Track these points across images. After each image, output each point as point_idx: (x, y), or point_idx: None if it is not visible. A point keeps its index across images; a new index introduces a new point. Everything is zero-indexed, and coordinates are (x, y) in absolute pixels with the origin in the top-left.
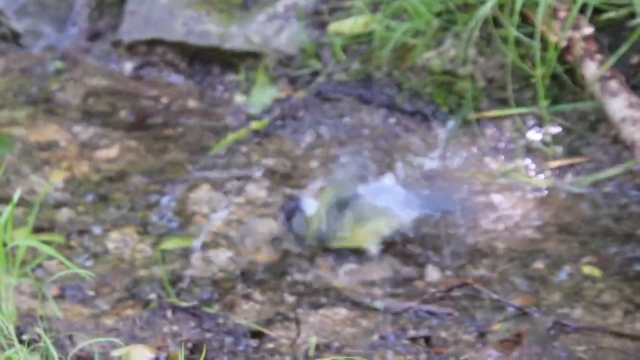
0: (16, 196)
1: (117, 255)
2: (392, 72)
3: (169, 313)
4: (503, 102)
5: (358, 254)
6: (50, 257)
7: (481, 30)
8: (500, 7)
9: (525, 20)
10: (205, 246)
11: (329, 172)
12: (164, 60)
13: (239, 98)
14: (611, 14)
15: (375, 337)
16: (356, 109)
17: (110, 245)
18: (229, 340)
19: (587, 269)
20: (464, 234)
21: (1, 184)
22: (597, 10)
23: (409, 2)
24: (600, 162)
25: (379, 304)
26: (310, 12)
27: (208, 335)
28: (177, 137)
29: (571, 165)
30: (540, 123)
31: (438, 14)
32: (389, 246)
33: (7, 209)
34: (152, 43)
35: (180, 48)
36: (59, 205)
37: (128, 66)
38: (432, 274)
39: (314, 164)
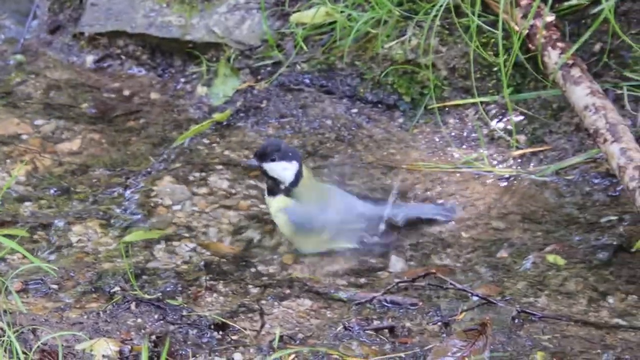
0: None
1: (81, 249)
2: (354, 62)
3: (132, 306)
4: (465, 91)
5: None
6: (13, 251)
7: (443, 19)
8: None
9: (487, 8)
10: (168, 238)
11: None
12: (126, 52)
13: (201, 90)
14: (573, 2)
15: (340, 327)
16: (319, 99)
17: (74, 239)
18: (193, 332)
19: (551, 258)
20: (428, 225)
21: None
22: None
23: None
24: (563, 150)
25: (342, 295)
26: (271, 2)
27: (172, 327)
28: (140, 129)
29: (534, 154)
30: (503, 112)
31: (399, 4)
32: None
33: None
34: (114, 35)
35: (142, 40)
36: (21, 199)
37: (89, 59)
38: (396, 264)
39: None
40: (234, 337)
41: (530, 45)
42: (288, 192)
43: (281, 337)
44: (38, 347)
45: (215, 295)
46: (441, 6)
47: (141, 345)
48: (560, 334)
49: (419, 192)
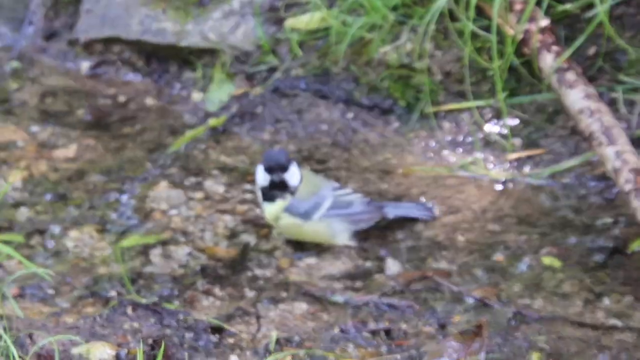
0: None
1: (77, 254)
2: (349, 67)
3: (129, 310)
4: (460, 96)
5: (319, 247)
6: (10, 257)
7: (437, 23)
8: (456, 0)
9: (481, 13)
10: (164, 242)
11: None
12: (121, 58)
13: (196, 95)
14: (567, 6)
15: (336, 330)
16: (314, 104)
17: (70, 244)
18: (189, 335)
19: (547, 260)
20: (424, 227)
21: None
22: (553, 2)
23: None
24: (558, 153)
25: (339, 298)
26: (266, 8)
27: (168, 331)
28: (135, 135)
29: (530, 157)
30: (498, 116)
31: (394, 8)
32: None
33: None
34: (109, 41)
35: (137, 46)
36: (17, 204)
37: (85, 65)
38: (392, 267)
39: None
40: (231, 341)
41: (525, 50)
42: (292, 193)
43: (277, 340)
44: (34, 351)
45: (211, 299)
46: (436, 11)
47: (137, 349)
48: (556, 335)
49: (415, 196)
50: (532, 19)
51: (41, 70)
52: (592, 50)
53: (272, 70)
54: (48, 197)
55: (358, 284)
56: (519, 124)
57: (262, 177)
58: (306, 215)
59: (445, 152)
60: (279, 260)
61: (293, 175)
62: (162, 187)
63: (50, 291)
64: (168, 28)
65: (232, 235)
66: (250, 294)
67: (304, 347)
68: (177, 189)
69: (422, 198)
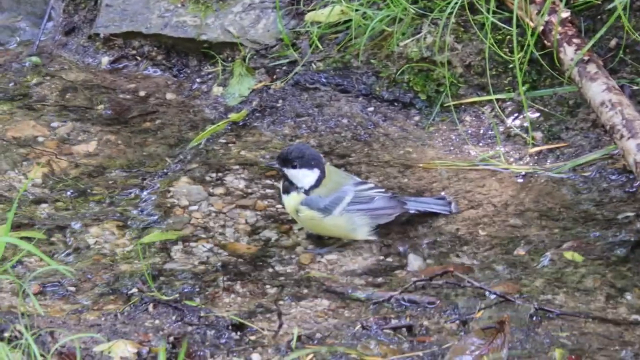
0: None
1: (98, 251)
2: (369, 61)
3: (150, 307)
4: (481, 89)
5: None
6: (31, 254)
7: (458, 16)
8: None
9: (501, 5)
10: (185, 239)
11: None
12: (141, 53)
13: (216, 90)
14: None
15: (358, 327)
16: (334, 98)
17: (91, 241)
18: (210, 333)
19: (569, 255)
20: (445, 222)
21: None
22: None
23: None
24: (580, 146)
25: (360, 294)
26: (286, 1)
27: (190, 328)
28: (156, 130)
29: (551, 151)
30: (519, 109)
31: (414, 1)
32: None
33: None
34: (129, 36)
35: (157, 40)
36: (38, 201)
37: (105, 60)
38: (414, 262)
39: None
40: (252, 338)
41: (545, 42)
42: (307, 192)
43: (299, 337)
44: (56, 349)
45: (232, 295)
46: (456, 3)
47: (159, 347)
48: (578, 331)
49: (436, 190)
50: (553, 10)
51: (61, 65)
52: (613, 42)
53: (293, 64)
54: (68, 193)
55: (379, 279)
56: (540, 117)
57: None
58: (326, 210)
59: (466, 146)
60: (300, 257)
61: (301, 176)
62: (183, 182)
63: (71, 288)
64: (188, 22)
65: (253, 231)
66: (271, 290)
67: (325, 344)
68: (198, 185)
69: (443, 192)
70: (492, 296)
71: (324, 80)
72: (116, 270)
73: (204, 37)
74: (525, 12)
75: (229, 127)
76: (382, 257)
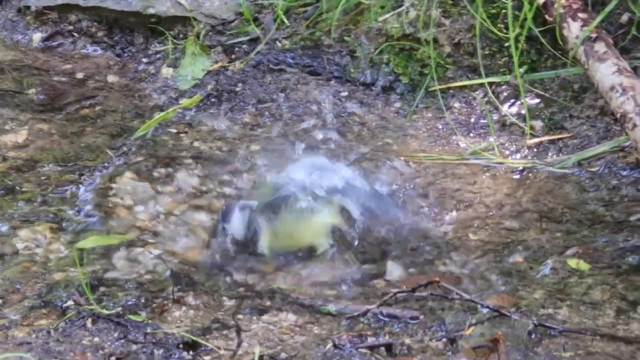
0: None
1: (28, 257)
2: (343, 38)
3: (89, 323)
4: (472, 71)
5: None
6: None
7: None
8: None
9: None
10: (129, 244)
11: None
12: (78, 29)
13: (166, 71)
14: None
15: (329, 345)
16: (302, 81)
17: (20, 245)
18: (158, 352)
19: (573, 262)
20: (430, 224)
21: None
22: None
23: None
24: (585, 137)
25: (332, 308)
26: None
27: (134, 347)
28: (95, 118)
29: (552, 142)
30: (515, 94)
31: None
32: (342, 241)
33: None
34: (64, 9)
35: (97, 14)
36: None
37: (37, 36)
38: (394, 271)
39: (254, 147)
40: (207, 358)
41: (546, 17)
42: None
43: (261, 357)
44: None
45: (184, 309)
46: None
47: None
48: (584, 351)
49: (420, 187)
50: None
51: None
52: (624, 18)
53: (254, 41)
54: None
55: (354, 291)
56: (540, 104)
57: None
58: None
59: (455, 137)
60: (263, 265)
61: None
62: (127, 178)
63: None
64: None
65: (208, 235)
66: (229, 303)
67: None
68: (144, 181)
69: (428, 190)
70: (485, 310)
71: (290, 60)
72: (49, 279)
73: (151, 11)
74: None
75: (180, 115)
76: (357, 265)
